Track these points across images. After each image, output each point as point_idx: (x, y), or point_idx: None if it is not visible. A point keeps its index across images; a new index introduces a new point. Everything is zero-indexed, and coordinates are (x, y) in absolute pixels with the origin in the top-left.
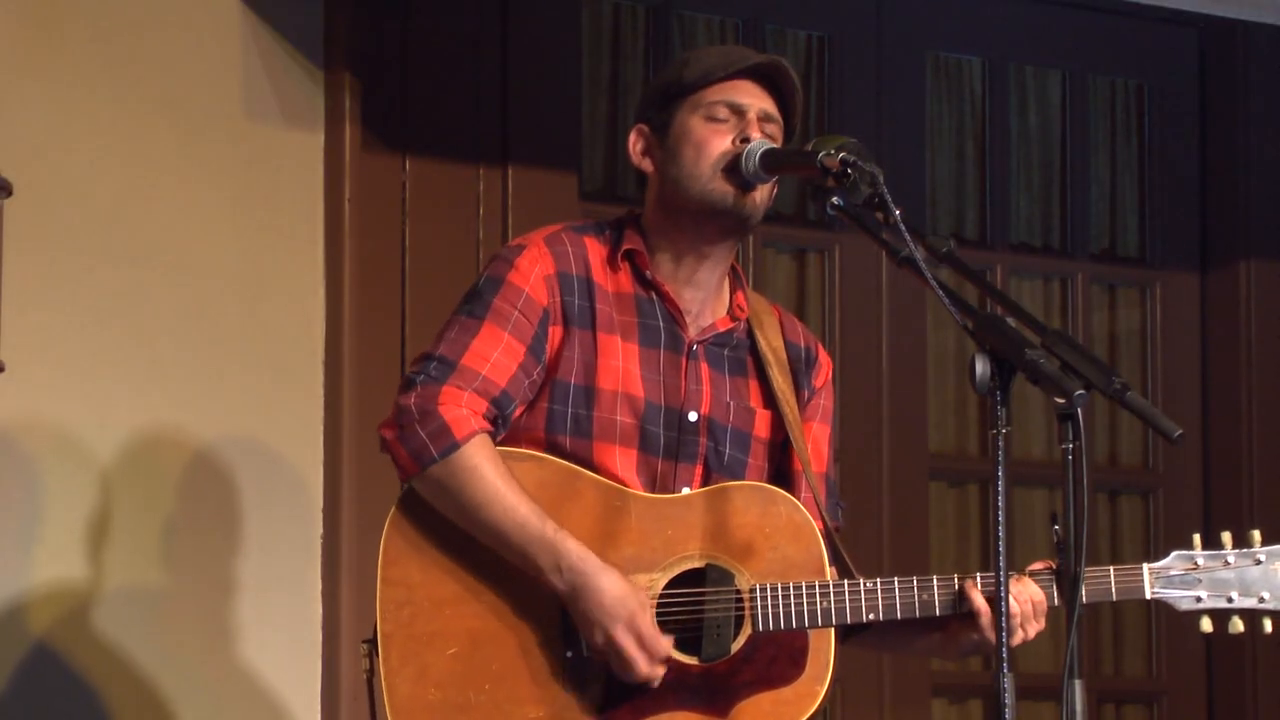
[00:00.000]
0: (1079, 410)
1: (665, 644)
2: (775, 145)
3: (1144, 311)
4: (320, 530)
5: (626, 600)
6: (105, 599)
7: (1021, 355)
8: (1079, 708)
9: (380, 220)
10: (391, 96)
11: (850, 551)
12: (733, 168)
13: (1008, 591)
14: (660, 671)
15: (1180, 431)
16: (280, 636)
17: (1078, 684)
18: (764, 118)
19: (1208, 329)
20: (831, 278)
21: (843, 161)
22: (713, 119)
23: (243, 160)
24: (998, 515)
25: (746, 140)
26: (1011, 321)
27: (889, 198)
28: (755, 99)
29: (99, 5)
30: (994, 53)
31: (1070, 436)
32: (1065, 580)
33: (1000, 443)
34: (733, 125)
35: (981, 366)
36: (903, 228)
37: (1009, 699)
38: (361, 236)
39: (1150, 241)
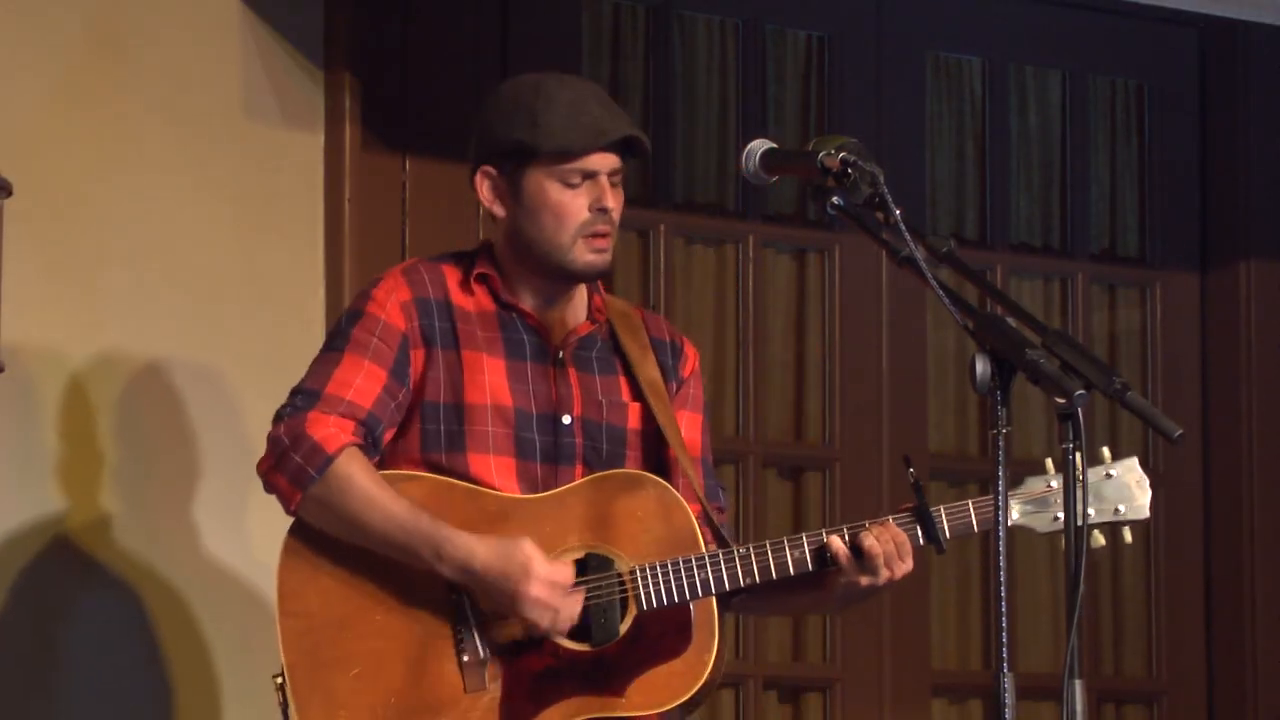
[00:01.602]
0: (1079, 410)
1: (568, 572)
2: (771, 144)
3: (1144, 311)
4: None
5: (511, 554)
6: (103, 605)
7: (1021, 355)
8: (1079, 708)
9: (380, 220)
10: (391, 96)
11: None
12: (591, 239)
13: (1009, 591)
14: (577, 601)
15: (1180, 431)
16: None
17: (1078, 684)
18: (612, 173)
19: (1208, 329)
20: (831, 278)
21: (843, 161)
22: (567, 184)
23: (243, 160)
24: (997, 515)
25: (603, 210)
26: (1011, 321)
27: (889, 198)
28: (605, 161)
29: (98, 5)
30: (994, 53)
31: (1070, 436)
32: (925, 520)
33: (1000, 443)
34: (586, 189)
35: (981, 366)
36: (903, 228)
37: (1009, 699)
38: (361, 236)
39: (1150, 241)
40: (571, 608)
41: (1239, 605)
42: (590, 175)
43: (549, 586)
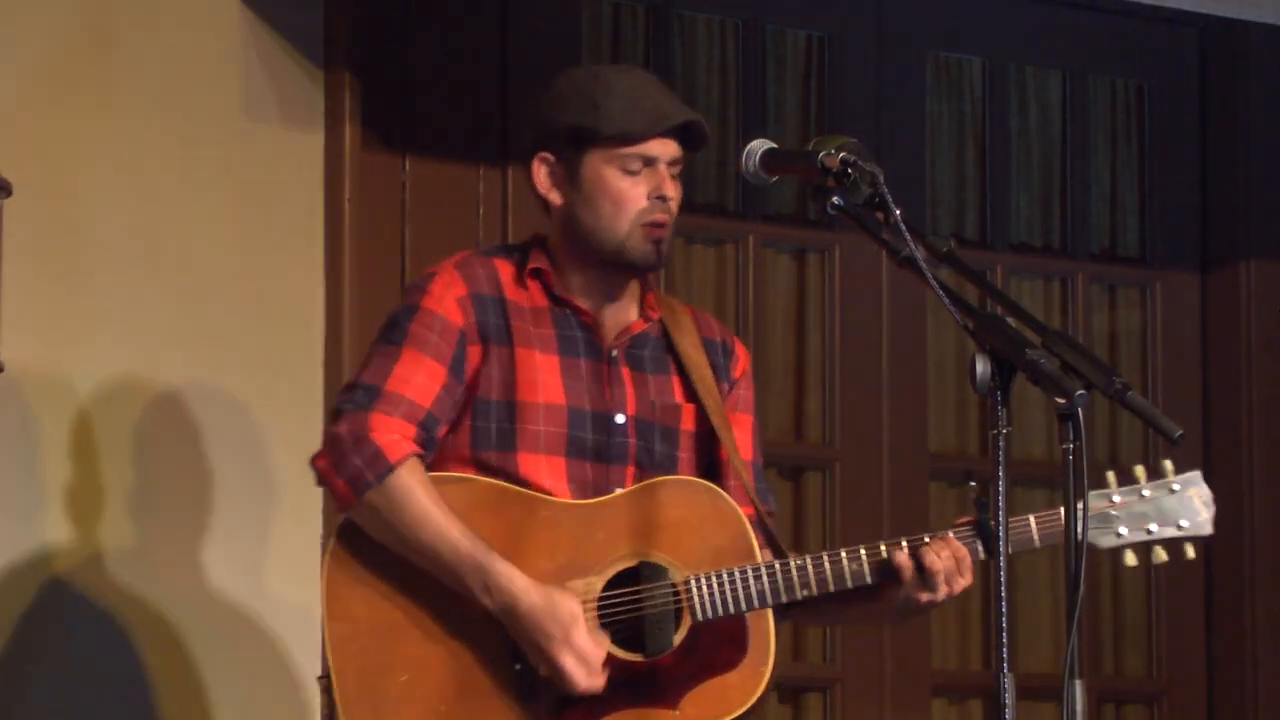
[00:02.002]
0: (1079, 410)
1: (601, 652)
2: (771, 144)
3: (1144, 311)
4: (320, 530)
5: (557, 616)
6: (103, 604)
7: (1021, 355)
8: (1079, 708)
9: (380, 220)
10: (391, 96)
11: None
12: (649, 228)
13: (1008, 590)
14: (600, 682)
15: (1180, 431)
16: (282, 634)
17: (1078, 684)
18: (672, 162)
19: (1208, 329)
20: (831, 278)
21: (843, 161)
22: (627, 171)
23: (243, 160)
24: (997, 515)
25: (662, 198)
26: (1011, 321)
27: (889, 198)
28: (665, 149)
29: (99, 5)
30: (994, 53)
31: (1070, 436)
32: (986, 535)
33: (1000, 443)
34: (645, 177)
35: (981, 366)
36: (903, 228)
37: (1009, 699)
38: (361, 236)
39: (1150, 241)
40: (595, 682)
41: (1239, 605)
42: (650, 162)
43: (581, 661)
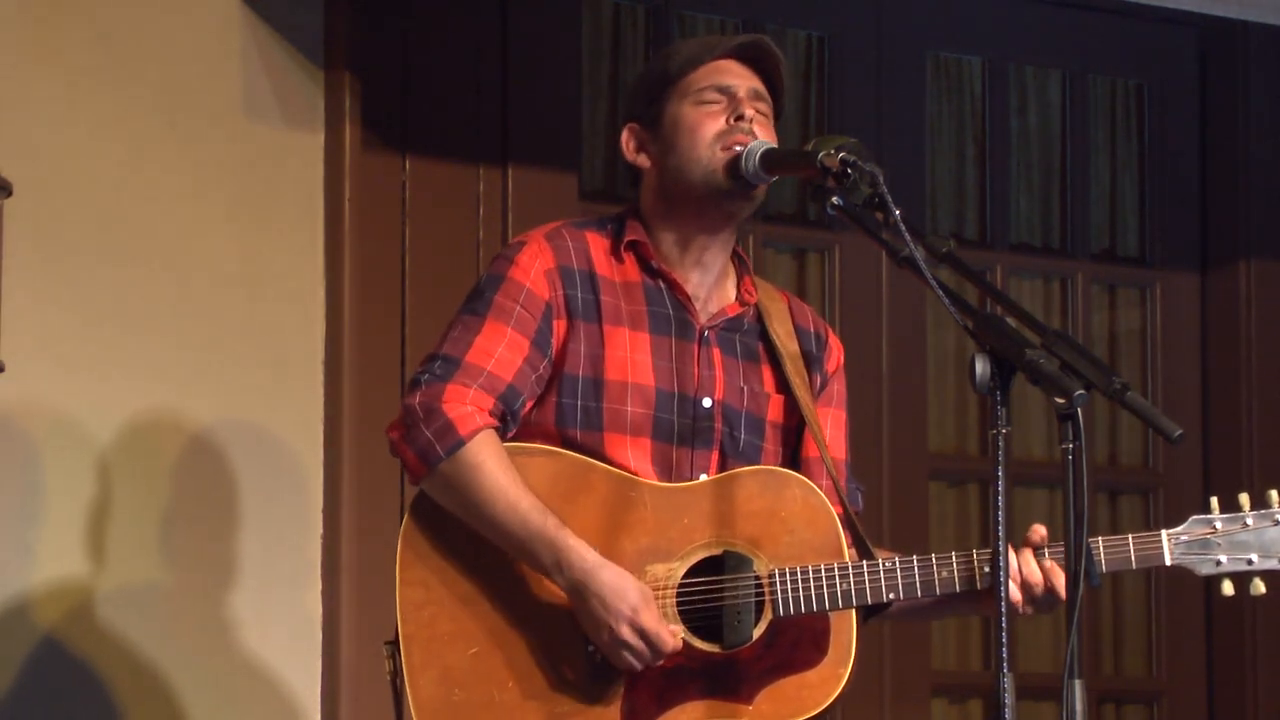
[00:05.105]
0: (1079, 410)
1: (672, 636)
2: (771, 143)
3: (1144, 311)
4: (320, 528)
5: (627, 594)
6: (105, 597)
7: (1021, 355)
8: (1079, 708)
9: (380, 220)
10: (391, 96)
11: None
12: (729, 146)
13: (1008, 590)
14: (657, 660)
15: (1180, 431)
16: (280, 634)
17: (1078, 684)
18: (753, 96)
19: (1208, 329)
20: (831, 278)
21: (843, 161)
22: (703, 103)
23: (243, 160)
24: (997, 515)
25: (740, 118)
26: (1011, 321)
27: (889, 198)
28: (742, 79)
29: (99, 5)
30: (994, 53)
31: (1070, 436)
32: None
33: (1000, 443)
34: (724, 107)
35: (981, 366)
36: (903, 228)
37: (1009, 699)
38: (361, 236)
39: (1150, 241)
40: (655, 661)
41: (1239, 605)
42: (725, 91)
43: (643, 638)
